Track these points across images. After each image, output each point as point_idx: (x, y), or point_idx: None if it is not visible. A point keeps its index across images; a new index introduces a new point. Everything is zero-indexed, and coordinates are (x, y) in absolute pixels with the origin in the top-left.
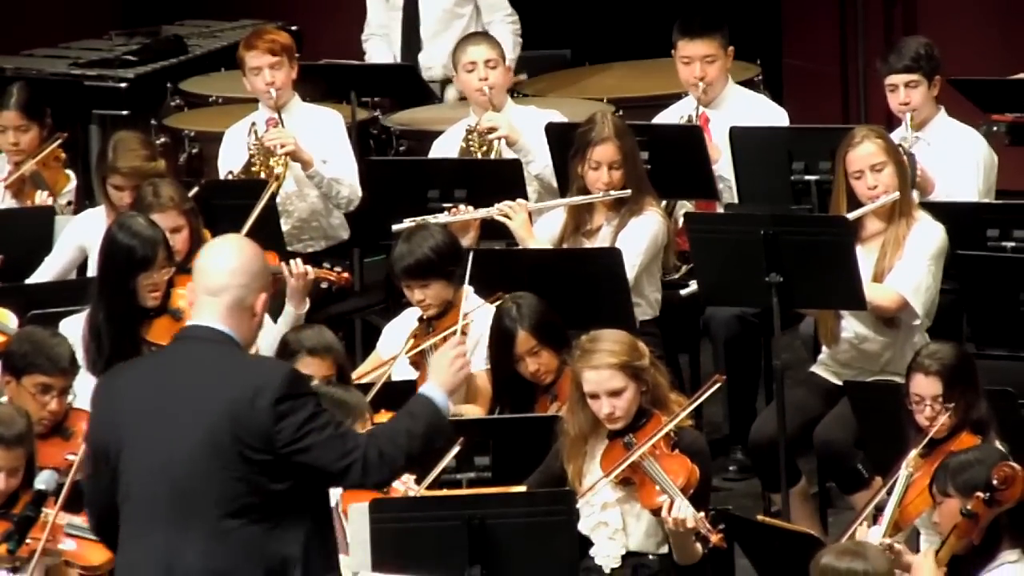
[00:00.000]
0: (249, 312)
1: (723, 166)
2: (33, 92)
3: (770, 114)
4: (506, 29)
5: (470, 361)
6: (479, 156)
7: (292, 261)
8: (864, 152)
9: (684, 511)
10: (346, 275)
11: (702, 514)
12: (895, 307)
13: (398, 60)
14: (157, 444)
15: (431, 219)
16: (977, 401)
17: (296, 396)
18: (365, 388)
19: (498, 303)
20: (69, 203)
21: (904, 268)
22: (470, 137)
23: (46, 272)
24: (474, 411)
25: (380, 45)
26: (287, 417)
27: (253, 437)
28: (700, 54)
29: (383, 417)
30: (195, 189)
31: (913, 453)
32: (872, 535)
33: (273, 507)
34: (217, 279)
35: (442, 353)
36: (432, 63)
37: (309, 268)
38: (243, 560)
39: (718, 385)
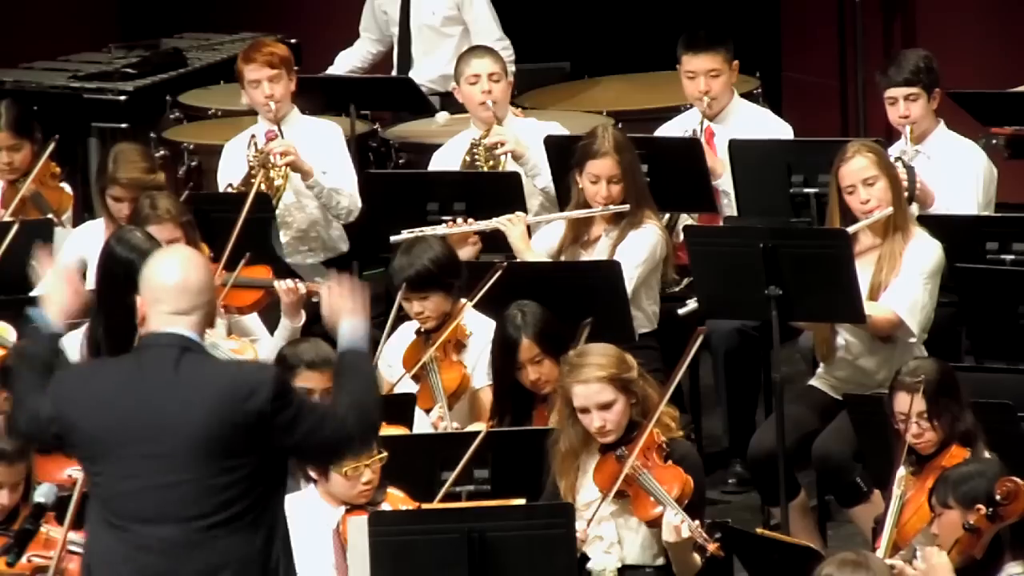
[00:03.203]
0: (212, 320)
1: (727, 180)
2: (22, 109)
3: (775, 128)
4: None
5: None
6: (486, 170)
7: (281, 282)
8: (856, 167)
9: (680, 521)
10: None
11: (697, 523)
12: (890, 326)
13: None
14: (141, 445)
15: (429, 231)
16: (962, 414)
17: (287, 394)
18: None
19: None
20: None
21: (900, 287)
22: (476, 151)
23: None
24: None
25: (351, 51)
26: (284, 411)
27: (240, 439)
28: (705, 68)
29: (387, 431)
30: (185, 195)
31: (903, 471)
32: None
33: (249, 509)
34: (187, 300)
35: (335, 296)
36: (421, 80)
37: (300, 284)
38: (218, 558)
39: (700, 339)
